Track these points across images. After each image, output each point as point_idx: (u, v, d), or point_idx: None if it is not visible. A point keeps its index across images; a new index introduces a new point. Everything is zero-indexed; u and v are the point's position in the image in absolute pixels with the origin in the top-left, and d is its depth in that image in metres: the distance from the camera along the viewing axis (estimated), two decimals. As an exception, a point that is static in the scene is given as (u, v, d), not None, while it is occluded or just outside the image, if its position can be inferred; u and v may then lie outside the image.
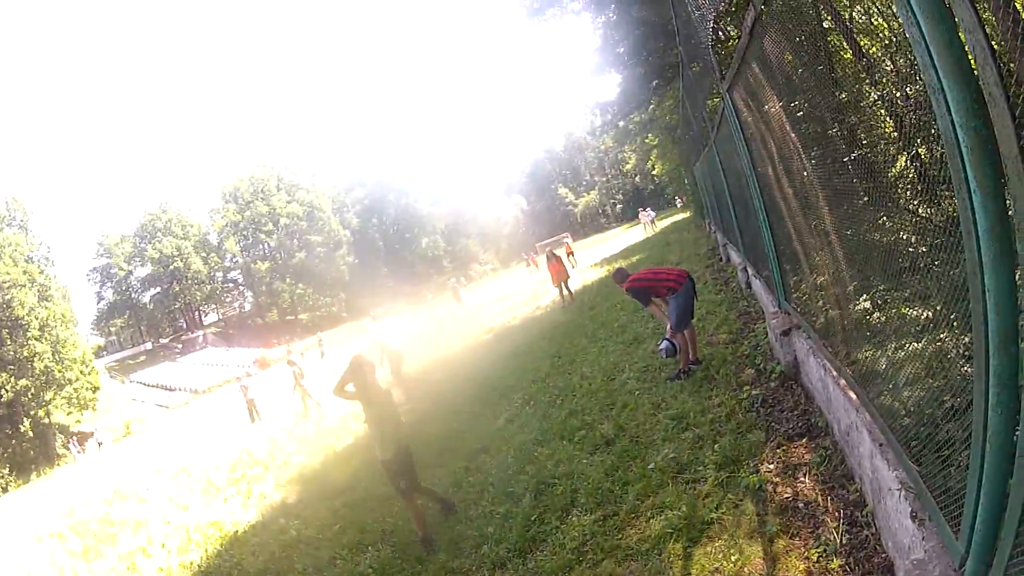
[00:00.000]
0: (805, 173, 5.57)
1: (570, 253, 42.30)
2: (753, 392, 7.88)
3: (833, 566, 4.30)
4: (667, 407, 8.74)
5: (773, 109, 6.02)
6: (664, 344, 10.07)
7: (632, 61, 29.19)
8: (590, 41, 31.76)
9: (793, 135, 5.66)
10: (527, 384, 14.27)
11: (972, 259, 2.20)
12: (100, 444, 62.87)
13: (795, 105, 5.57)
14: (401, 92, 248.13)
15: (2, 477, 59.51)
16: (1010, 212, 2.01)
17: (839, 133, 4.70)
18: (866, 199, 4.49)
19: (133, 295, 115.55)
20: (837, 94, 4.70)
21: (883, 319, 4.38)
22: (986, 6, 2.16)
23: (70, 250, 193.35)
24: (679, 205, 77.55)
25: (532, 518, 7.35)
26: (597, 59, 32.19)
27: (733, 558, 4.85)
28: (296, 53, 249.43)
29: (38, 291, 67.98)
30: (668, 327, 10.14)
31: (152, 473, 24.90)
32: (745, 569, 4.67)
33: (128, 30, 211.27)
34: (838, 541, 4.49)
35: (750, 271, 12.88)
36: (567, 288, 25.25)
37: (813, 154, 5.35)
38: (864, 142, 4.42)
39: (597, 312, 19.91)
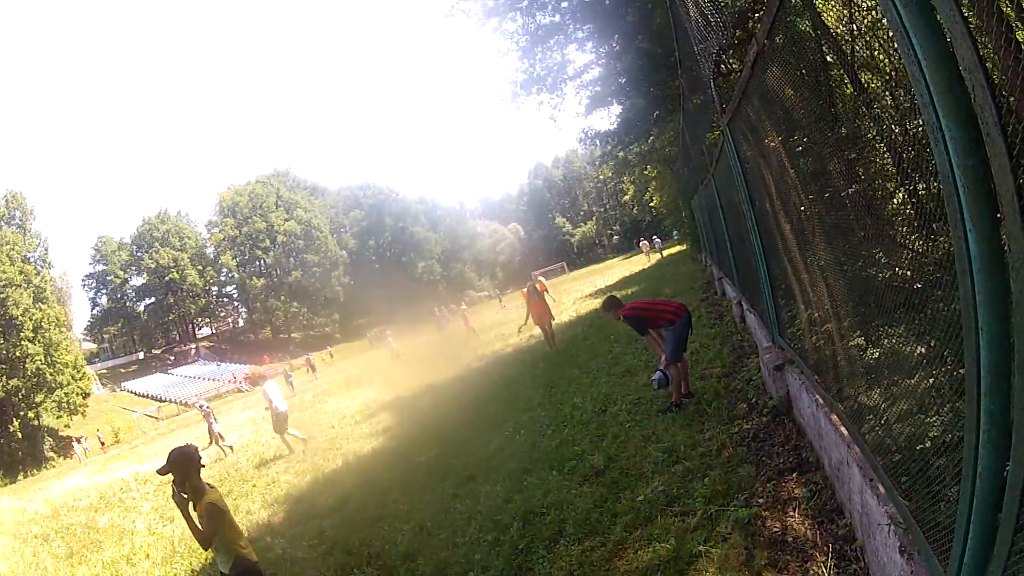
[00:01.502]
0: (802, 208, 5.61)
1: (544, 290, 41.68)
2: (745, 426, 7.88)
3: (824, 600, 4.26)
4: (658, 439, 8.72)
5: (772, 143, 6.06)
6: (658, 375, 10.15)
7: (633, 92, 29.27)
8: (591, 72, 31.69)
9: (791, 170, 5.70)
10: (518, 413, 14.22)
11: (966, 295, 2.22)
12: (103, 444, 62.83)
13: (794, 139, 5.61)
14: (404, 116, 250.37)
15: None
16: (1005, 250, 2.03)
17: (838, 168, 4.73)
18: (862, 235, 4.53)
19: (128, 303, 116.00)
20: (837, 129, 4.74)
21: (876, 355, 4.40)
22: (988, 43, 2.18)
23: (69, 254, 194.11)
24: (675, 237, 77.97)
25: (519, 547, 7.29)
26: (598, 89, 32.35)
27: (722, 592, 4.80)
28: (300, 69, 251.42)
29: (33, 292, 67.88)
30: (663, 358, 10.14)
31: (138, 482, 24.91)
32: (732, 603, 4.62)
33: (137, 33, 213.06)
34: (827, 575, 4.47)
35: (745, 305, 12.92)
36: (550, 329, 22.62)
37: (811, 189, 5.38)
38: (862, 177, 4.46)
39: (590, 343, 19.92)
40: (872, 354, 4.47)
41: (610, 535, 6.56)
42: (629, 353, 15.87)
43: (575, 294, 45.71)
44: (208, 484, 6.66)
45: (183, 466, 6.42)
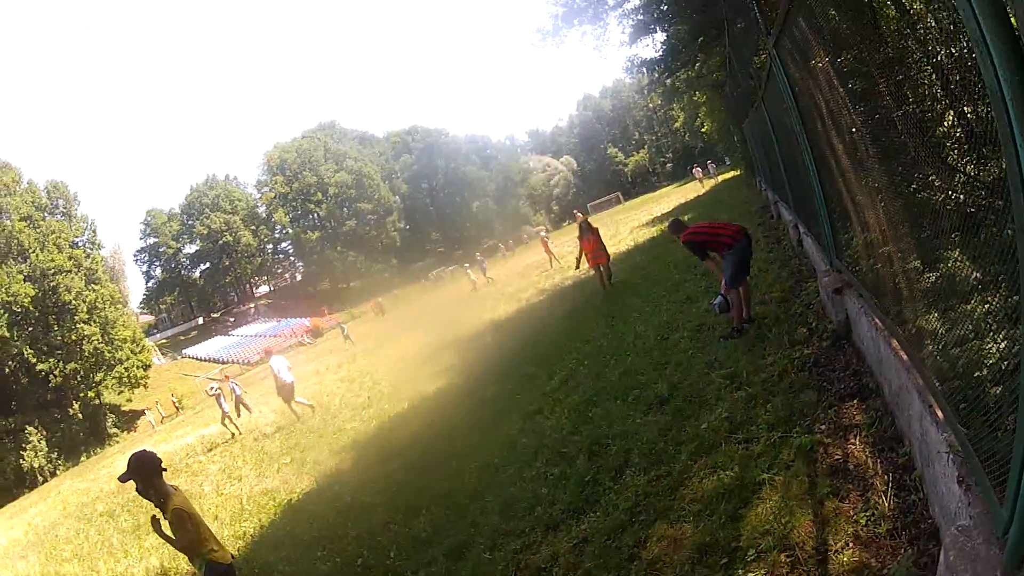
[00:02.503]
0: (854, 130, 5.48)
1: (548, 252, 40.84)
2: (806, 351, 7.83)
3: (880, 531, 4.27)
4: (721, 366, 8.73)
5: (820, 65, 5.92)
6: (718, 300, 10.17)
7: (676, 18, 28.79)
8: (633, 1, 31.15)
9: (841, 90, 5.57)
10: (581, 344, 14.29)
11: (1020, 212, 2.16)
12: (178, 408, 64.43)
13: (841, 61, 5.48)
14: (446, 55, 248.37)
15: (51, 461, 61.03)
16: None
17: (887, 90, 4.62)
18: (915, 157, 4.42)
19: (183, 272, 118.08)
20: (883, 50, 4.61)
21: (933, 279, 4.32)
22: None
23: (120, 231, 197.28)
24: (728, 163, 77.03)
25: (586, 479, 7.40)
26: (641, 18, 31.80)
27: (783, 520, 4.85)
28: (337, 17, 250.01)
29: (85, 275, 69.31)
30: (723, 283, 10.11)
31: (204, 446, 25.68)
32: (795, 532, 4.66)
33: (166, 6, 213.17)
34: (886, 506, 4.46)
35: (801, 229, 12.74)
36: (607, 272, 20.01)
37: (861, 110, 5.26)
38: (911, 99, 4.34)
39: (649, 271, 19.90)
40: (929, 278, 4.39)
41: (675, 464, 6.64)
42: (690, 279, 15.83)
43: (632, 223, 45.35)
44: (172, 486, 6.55)
45: (142, 472, 6.30)
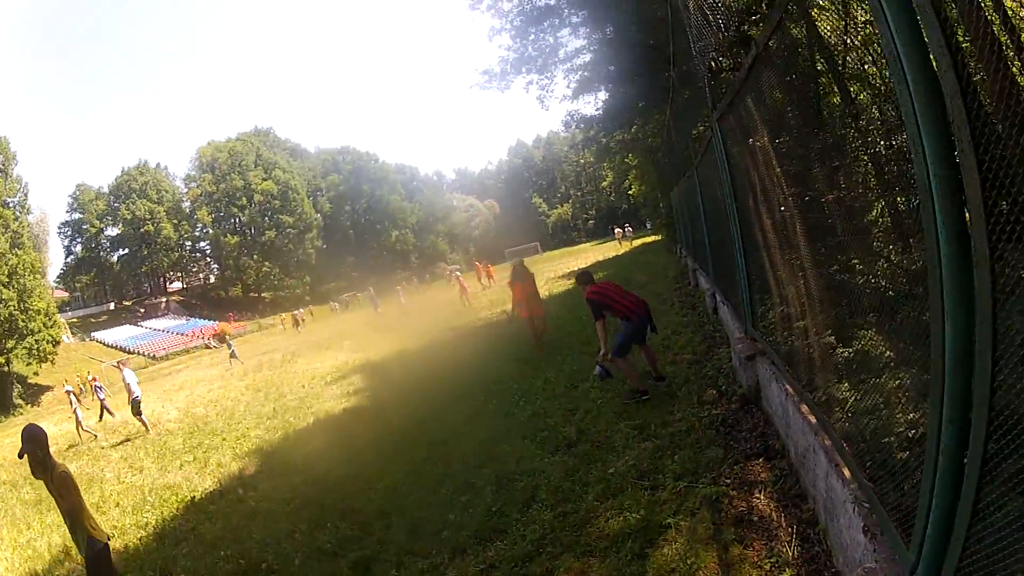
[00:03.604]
0: (784, 208, 5.83)
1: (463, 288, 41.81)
2: (714, 411, 8.18)
3: (787, 574, 4.56)
4: (629, 417, 9.02)
5: (760, 143, 6.28)
6: (598, 370, 10.50)
7: (622, 80, 29.45)
8: (582, 57, 31.91)
9: (777, 170, 5.92)
10: (490, 383, 14.42)
11: (935, 289, 2.46)
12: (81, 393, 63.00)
13: (782, 142, 5.83)
14: (388, 82, 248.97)
15: None
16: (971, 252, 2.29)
17: (821, 174, 4.96)
18: (841, 240, 4.76)
19: (102, 253, 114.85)
20: (824, 136, 4.96)
21: (848, 354, 4.66)
22: (974, 72, 2.40)
23: (47, 200, 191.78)
24: (648, 227, 78.59)
25: (493, 509, 7.54)
26: (587, 75, 32.51)
27: (689, 561, 5.09)
28: (288, 28, 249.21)
29: (11, 238, 66.93)
30: (603, 350, 10.38)
31: (107, 432, 24.73)
32: (700, 573, 4.91)
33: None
34: (790, 554, 4.76)
35: (718, 297, 13.19)
36: (542, 324, 17.02)
37: (794, 190, 5.60)
38: (844, 185, 4.69)
39: (563, 322, 20.10)
40: (844, 352, 4.73)
41: (582, 503, 6.83)
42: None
43: (548, 274, 45.96)
44: (56, 462, 6.54)
45: (40, 442, 6.36)
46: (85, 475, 17.84)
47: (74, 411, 25.43)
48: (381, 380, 20.21)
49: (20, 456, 6.42)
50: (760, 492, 5.79)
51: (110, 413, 26.20)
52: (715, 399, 8.61)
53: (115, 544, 10.59)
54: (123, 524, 12.12)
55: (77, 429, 25.03)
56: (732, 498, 5.83)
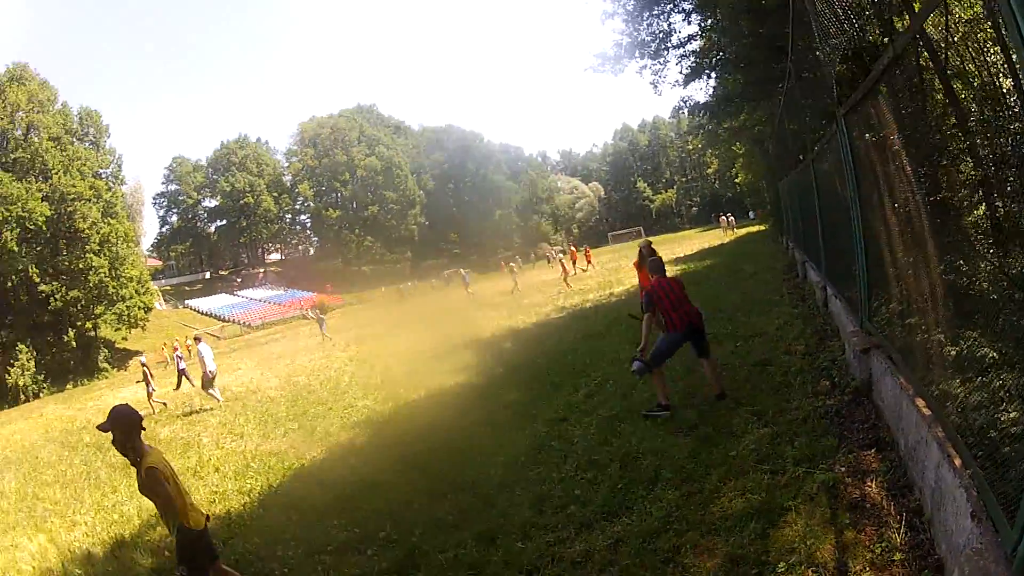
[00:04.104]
0: (911, 206, 5.98)
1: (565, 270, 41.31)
2: (828, 402, 8.31)
3: (894, 559, 4.81)
4: (748, 403, 9.13)
5: (890, 141, 6.42)
6: (637, 364, 10.10)
7: (732, 68, 29.26)
8: (694, 43, 31.69)
9: (907, 168, 6.06)
10: (605, 364, 14.42)
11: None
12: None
13: (912, 141, 5.96)
14: (495, 62, 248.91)
15: (36, 383, 61.41)
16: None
17: (952, 178, 5.14)
18: (968, 243, 4.96)
19: (199, 224, 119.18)
20: (957, 142, 5.12)
21: (966, 351, 4.87)
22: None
23: (144, 172, 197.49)
24: (752, 217, 77.44)
25: (618, 486, 7.72)
26: (699, 61, 32.34)
27: (808, 542, 5.33)
28: (394, 4, 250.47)
29: (104, 207, 69.50)
30: (642, 347, 10.15)
31: (203, 398, 24.96)
32: (818, 553, 5.15)
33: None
34: (898, 540, 5.00)
35: (829, 290, 13.18)
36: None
37: (923, 190, 5.75)
38: (978, 195, 4.86)
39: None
40: (963, 350, 4.94)
41: (705, 483, 7.03)
42: (712, 322, 15.66)
43: (667, 255, 44.94)
44: (148, 445, 6.43)
45: (123, 426, 6.22)
46: (180, 440, 18.53)
47: (147, 382, 26.36)
48: (491, 357, 20.04)
49: (101, 430, 6.28)
50: (872, 481, 5.98)
51: (190, 382, 26.92)
52: (828, 390, 8.75)
53: (217, 509, 11.16)
54: (224, 489, 12.36)
55: (148, 400, 25.95)
56: (847, 485, 6.03)
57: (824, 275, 14.01)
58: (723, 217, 71.26)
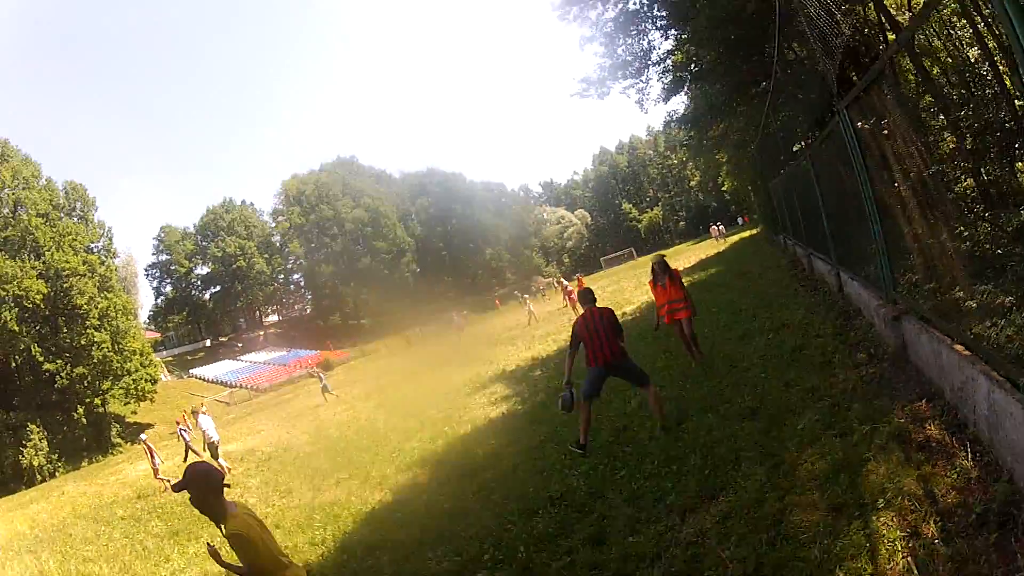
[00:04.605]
0: (919, 183, 6.68)
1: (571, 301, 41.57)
2: (870, 371, 8.87)
3: (972, 477, 5.51)
4: (797, 384, 9.58)
5: (895, 125, 7.12)
6: (563, 395, 10.44)
7: (712, 78, 30.08)
8: (675, 56, 32.61)
9: (915, 148, 6.75)
10: (647, 370, 13.54)
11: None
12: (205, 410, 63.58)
13: (910, 125, 6.65)
14: (465, 102, 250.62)
15: (51, 462, 60.71)
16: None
17: (945, 150, 5.85)
18: (979, 209, 5.69)
19: (193, 292, 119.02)
20: (959, 123, 5.84)
21: (989, 301, 5.59)
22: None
23: (133, 244, 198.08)
24: (740, 223, 78.39)
25: (705, 472, 8.02)
26: (679, 75, 33.23)
27: (895, 480, 5.93)
28: (360, 57, 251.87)
29: (99, 281, 69.33)
30: (566, 379, 10.54)
31: (233, 461, 24.75)
32: (906, 486, 5.77)
33: (196, 21, 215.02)
34: (969, 465, 5.69)
35: (843, 275, 13.87)
36: (690, 330, 13.81)
37: (924, 166, 6.44)
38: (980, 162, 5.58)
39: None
40: (986, 297, 5.65)
41: (784, 454, 7.52)
42: (737, 322, 16.43)
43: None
44: (232, 502, 5.88)
45: (199, 485, 5.71)
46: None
47: (152, 458, 25.72)
48: (526, 385, 19.94)
49: (175, 490, 5.81)
50: (930, 425, 6.61)
51: (196, 454, 25.70)
52: (866, 361, 9.32)
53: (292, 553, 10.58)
54: (293, 543, 11.89)
55: (155, 476, 25.36)
56: (911, 431, 6.65)
57: (835, 262, 14.68)
58: (713, 227, 72.20)
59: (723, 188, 66.01)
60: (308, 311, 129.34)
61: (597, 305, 10.97)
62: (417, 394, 28.50)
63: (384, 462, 16.46)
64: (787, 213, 25.72)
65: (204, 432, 23.15)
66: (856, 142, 8.93)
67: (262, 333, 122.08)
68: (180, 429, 28.98)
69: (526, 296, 52.44)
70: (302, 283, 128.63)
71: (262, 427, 38.95)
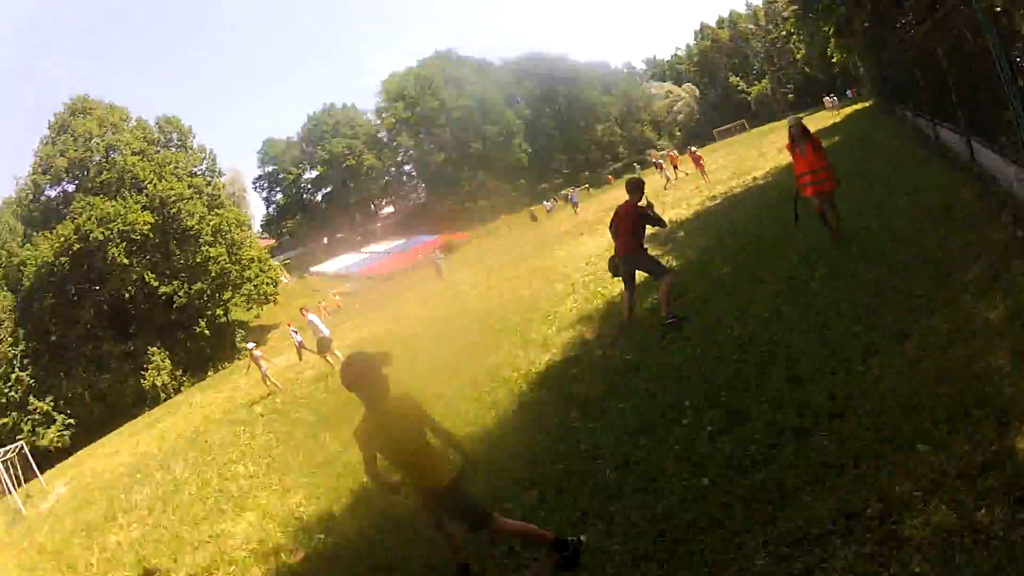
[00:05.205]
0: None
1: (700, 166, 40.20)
2: (1018, 233, 8.84)
3: None
4: (952, 239, 9.71)
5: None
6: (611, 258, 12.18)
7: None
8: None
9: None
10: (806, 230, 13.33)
11: None
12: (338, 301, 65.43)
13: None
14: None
15: (175, 378, 62.26)
16: None
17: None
18: None
19: (305, 195, 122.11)
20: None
21: None
22: None
23: (235, 161, 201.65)
24: (850, 96, 76.19)
25: (887, 319, 7.87)
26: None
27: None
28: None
29: (207, 200, 70.20)
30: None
31: (376, 343, 24.31)
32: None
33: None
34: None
35: (974, 144, 13.91)
36: (829, 203, 12.28)
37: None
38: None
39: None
40: None
41: (957, 304, 7.64)
42: (875, 181, 16.33)
43: (778, 144, 42.70)
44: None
45: (360, 375, 5.35)
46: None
47: (259, 366, 26.48)
48: (671, 247, 19.09)
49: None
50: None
51: (310, 350, 26.47)
52: (1013, 222, 9.38)
53: (464, 426, 10.32)
54: (464, 410, 11.50)
55: (264, 380, 26.27)
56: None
57: (964, 133, 14.70)
58: (827, 98, 70.46)
59: (832, 60, 63.75)
60: (423, 199, 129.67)
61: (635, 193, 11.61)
62: (555, 262, 27.82)
63: (541, 324, 16.15)
64: (907, 85, 25.12)
65: (314, 327, 23.14)
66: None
67: (379, 225, 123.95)
68: (292, 331, 29.79)
69: (660, 161, 51.46)
70: (413, 173, 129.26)
71: (397, 311, 39.15)
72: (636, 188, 11.58)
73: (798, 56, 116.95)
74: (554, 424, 9.15)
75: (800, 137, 12.51)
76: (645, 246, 11.96)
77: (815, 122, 59.53)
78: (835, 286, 9.75)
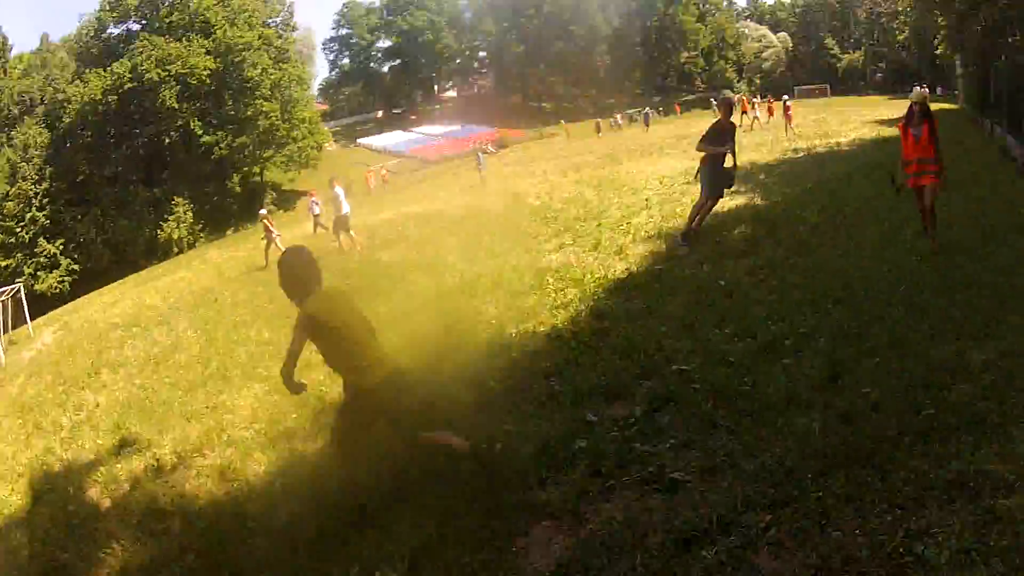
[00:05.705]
0: None
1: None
2: None
3: None
4: None
5: None
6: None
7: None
8: None
9: None
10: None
11: None
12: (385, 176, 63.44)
13: None
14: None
15: (192, 233, 61.98)
16: None
17: None
18: None
19: (372, 64, 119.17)
20: None
21: None
22: None
23: (309, 18, 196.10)
24: (938, 92, 74.89)
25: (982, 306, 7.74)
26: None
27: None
28: None
29: (275, 54, 69.54)
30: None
31: (412, 221, 24.86)
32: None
33: None
34: None
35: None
36: (930, 200, 10.63)
37: None
38: None
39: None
40: None
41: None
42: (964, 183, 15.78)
43: (862, 117, 42.99)
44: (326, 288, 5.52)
45: (284, 272, 5.49)
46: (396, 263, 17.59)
47: (271, 237, 25.66)
48: (754, 183, 18.66)
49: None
50: None
51: (324, 228, 26.06)
52: None
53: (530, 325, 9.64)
54: (529, 304, 10.68)
55: (266, 251, 25.45)
56: None
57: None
58: (917, 88, 69.43)
59: (936, 52, 62.88)
60: (488, 89, 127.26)
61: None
62: (624, 177, 26.29)
63: (614, 232, 15.22)
64: (1008, 99, 24.14)
65: (337, 202, 22.22)
66: None
67: (439, 106, 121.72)
68: (313, 201, 28.51)
69: (754, 101, 51.36)
70: (487, 61, 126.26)
71: (442, 195, 37.20)
72: (729, 106, 13.51)
73: (900, 37, 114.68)
74: (647, 341, 8.09)
75: (919, 116, 10.60)
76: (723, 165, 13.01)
77: (899, 107, 59.25)
78: (936, 265, 9.37)
